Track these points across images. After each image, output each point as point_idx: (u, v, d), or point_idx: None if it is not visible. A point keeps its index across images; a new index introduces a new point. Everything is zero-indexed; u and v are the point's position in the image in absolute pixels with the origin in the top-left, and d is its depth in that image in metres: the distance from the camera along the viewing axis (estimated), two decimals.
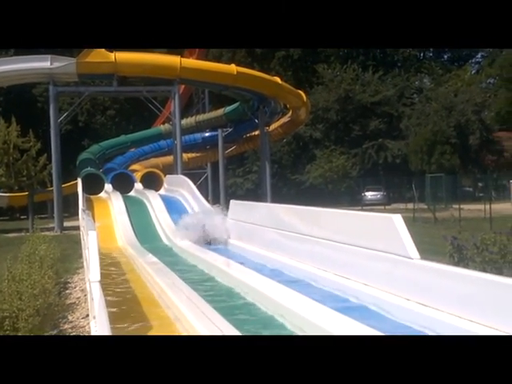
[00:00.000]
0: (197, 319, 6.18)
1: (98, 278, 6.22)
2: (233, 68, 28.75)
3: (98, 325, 4.94)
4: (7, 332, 5.95)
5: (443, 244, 9.19)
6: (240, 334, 5.45)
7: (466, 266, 7.82)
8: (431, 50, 58.24)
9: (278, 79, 31.87)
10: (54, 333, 7.04)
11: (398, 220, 7.39)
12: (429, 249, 10.18)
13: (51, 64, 25.17)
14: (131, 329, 6.39)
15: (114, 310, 7.00)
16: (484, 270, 7.46)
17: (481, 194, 40.19)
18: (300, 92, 33.95)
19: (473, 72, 54.45)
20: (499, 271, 7.59)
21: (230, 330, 5.55)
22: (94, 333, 5.96)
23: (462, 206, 25.55)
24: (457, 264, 8.07)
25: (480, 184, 45.20)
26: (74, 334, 7.20)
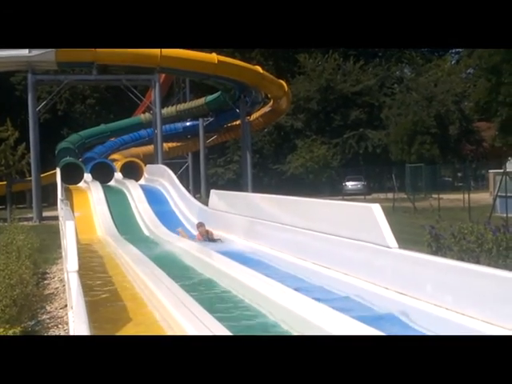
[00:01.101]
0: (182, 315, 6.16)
1: (76, 267, 6.18)
2: (214, 57, 28.63)
3: (75, 315, 4.91)
4: None
5: (422, 233, 9.27)
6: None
7: (444, 255, 7.90)
8: None
9: (259, 68, 31.82)
10: (31, 323, 6.99)
11: (377, 209, 7.42)
12: (408, 238, 10.27)
13: (30, 52, 24.82)
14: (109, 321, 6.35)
15: (92, 299, 6.95)
16: (461, 259, 7.54)
17: (460, 184, 40.61)
18: (281, 82, 33.96)
19: (453, 62, 54.80)
20: (476, 260, 7.68)
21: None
22: (71, 323, 5.92)
23: (441, 196, 25.81)
24: (435, 253, 8.15)
25: (459, 174, 45.67)
26: (51, 324, 7.16)
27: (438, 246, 8.31)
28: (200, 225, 13.02)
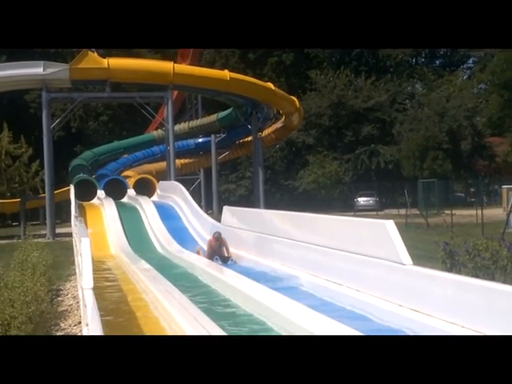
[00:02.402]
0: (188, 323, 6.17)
1: (91, 285, 6.20)
2: (226, 74, 28.80)
3: (91, 331, 4.92)
4: None
5: (436, 250, 9.23)
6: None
7: (459, 272, 7.86)
8: (423, 55, 58.52)
9: (270, 85, 31.94)
10: None
11: (390, 226, 7.42)
12: (421, 254, 10.22)
13: (44, 70, 25.11)
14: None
15: (108, 318, 6.97)
16: (476, 276, 7.50)
17: (472, 200, 40.36)
18: (293, 98, 34.04)
19: (464, 77, 54.69)
20: (491, 277, 7.63)
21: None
22: None
23: (454, 212, 25.66)
24: (449, 270, 8.11)
25: (472, 189, 45.39)
26: None
27: (452, 262, 8.28)
28: (216, 236, 12.89)
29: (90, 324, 5.35)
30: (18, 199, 30.57)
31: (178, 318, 6.54)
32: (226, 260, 12.48)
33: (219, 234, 12.96)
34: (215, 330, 5.79)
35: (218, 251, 12.73)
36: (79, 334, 6.83)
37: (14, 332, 5.95)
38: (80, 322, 7.75)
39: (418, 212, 27.93)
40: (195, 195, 31.73)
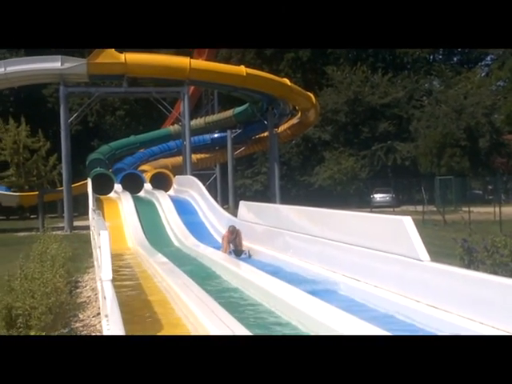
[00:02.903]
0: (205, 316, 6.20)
1: (110, 276, 6.27)
2: (242, 69, 28.81)
3: (111, 323, 4.98)
4: (20, 330, 6.01)
5: (453, 246, 9.18)
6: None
7: (477, 269, 7.82)
8: (441, 52, 58.07)
9: (287, 81, 31.90)
10: (65, 331, 7.09)
11: (408, 222, 7.40)
12: (439, 251, 10.17)
13: (62, 65, 25.32)
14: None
15: (126, 309, 7.02)
16: (494, 273, 7.45)
17: (490, 197, 40.00)
18: (309, 94, 33.98)
19: (482, 74, 54.18)
20: (510, 274, 7.58)
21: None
22: (105, 331, 6.01)
23: (471, 209, 25.47)
24: (467, 266, 8.06)
25: (489, 187, 45.01)
26: (84, 332, 7.26)
27: (470, 259, 8.23)
28: (231, 230, 12.99)
29: (110, 315, 5.41)
30: (36, 192, 30.87)
31: (197, 311, 6.57)
32: (239, 253, 12.53)
33: (234, 227, 13.05)
34: (231, 322, 5.84)
35: (232, 244, 12.83)
36: (83, 334, 6.89)
37: (34, 322, 6.03)
38: (99, 314, 7.83)
39: (434, 209, 27.78)
40: (211, 190, 31.78)
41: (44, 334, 5.60)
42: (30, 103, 45.40)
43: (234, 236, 12.90)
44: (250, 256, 12.45)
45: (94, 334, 6.72)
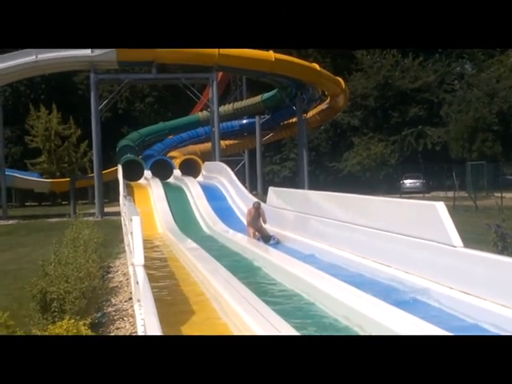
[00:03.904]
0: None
1: (142, 261, 6.34)
2: (271, 54, 28.64)
3: (144, 307, 5.03)
4: (55, 313, 6.10)
5: (485, 232, 9.06)
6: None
7: (511, 255, 7.69)
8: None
9: (316, 66, 31.65)
10: (98, 316, 7.19)
11: (441, 208, 7.31)
12: (471, 237, 10.03)
13: (92, 52, 25.49)
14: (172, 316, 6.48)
15: (158, 294, 7.09)
16: None
17: None
18: (338, 79, 33.68)
19: None
20: None
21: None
22: (138, 315, 6.07)
23: (503, 195, 25.07)
24: (501, 252, 7.94)
25: None
26: (117, 316, 7.35)
27: (504, 245, 8.10)
28: (256, 206, 13.07)
29: (142, 300, 5.47)
30: (68, 179, 31.28)
31: (228, 298, 6.59)
32: (267, 239, 12.56)
33: (259, 203, 13.23)
34: (259, 306, 5.87)
35: (255, 223, 12.87)
36: (108, 334, 6.95)
37: (68, 306, 6.11)
38: (130, 298, 7.93)
39: (466, 195, 27.40)
40: (239, 176, 31.77)
41: (78, 317, 5.66)
42: (61, 90, 45.93)
43: (257, 213, 12.99)
44: (278, 242, 12.47)
45: (94, 334, 6.71)
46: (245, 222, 14.94)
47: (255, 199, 16.55)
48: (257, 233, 12.93)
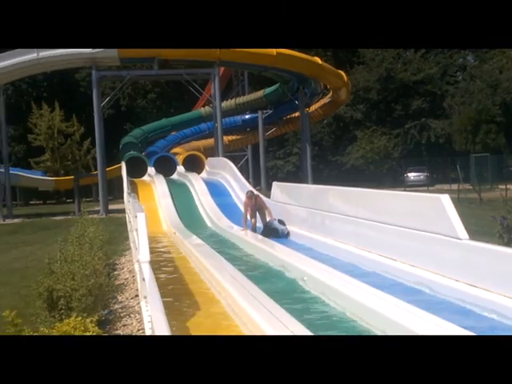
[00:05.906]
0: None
1: (148, 258, 6.34)
2: (272, 49, 28.56)
3: (151, 304, 5.04)
4: (62, 311, 6.11)
5: (490, 225, 9.05)
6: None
7: None
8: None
9: (318, 59, 31.55)
10: (105, 313, 7.20)
11: (446, 200, 7.29)
12: (476, 230, 10.02)
13: (93, 48, 25.45)
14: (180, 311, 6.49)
15: (164, 291, 7.09)
16: None
17: None
18: (340, 72, 33.59)
19: None
20: None
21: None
22: (145, 312, 6.08)
23: (508, 187, 25.01)
24: (507, 244, 7.93)
25: None
26: (124, 313, 7.36)
27: (510, 237, 8.09)
28: (249, 195, 12.98)
29: (149, 296, 5.48)
30: (72, 177, 31.28)
31: (236, 294, 6.59)
32: (271, 230, 12.49)
33: (251, 192, 13.10)
34: (265, 300, 5.86)
35: (254, 214, 12.82)
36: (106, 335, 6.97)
37: (75, 304, 6.13)
38: (137, 295, 7.94)
39: (470, 187, 27.35)
40: (243, 171, 31.80)
41: (85, 315, 5.68)
42: (63, 88, 45.93)
43: (254, 202, 12.90)
44: (287, 235, 12.38)
45: (93, 335, 6.70)
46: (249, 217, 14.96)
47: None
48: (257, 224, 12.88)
